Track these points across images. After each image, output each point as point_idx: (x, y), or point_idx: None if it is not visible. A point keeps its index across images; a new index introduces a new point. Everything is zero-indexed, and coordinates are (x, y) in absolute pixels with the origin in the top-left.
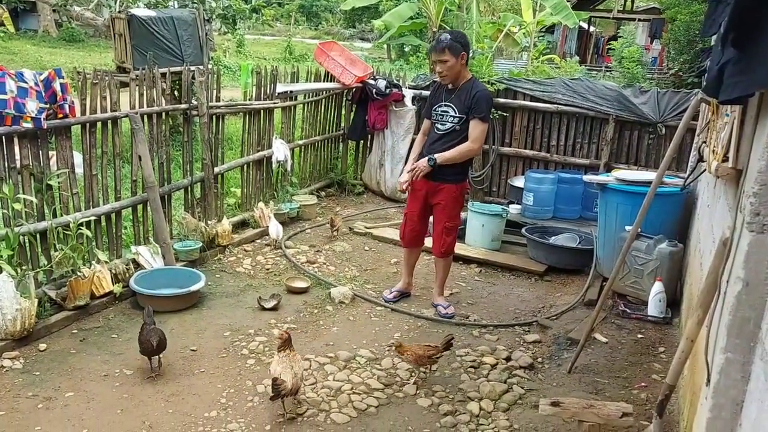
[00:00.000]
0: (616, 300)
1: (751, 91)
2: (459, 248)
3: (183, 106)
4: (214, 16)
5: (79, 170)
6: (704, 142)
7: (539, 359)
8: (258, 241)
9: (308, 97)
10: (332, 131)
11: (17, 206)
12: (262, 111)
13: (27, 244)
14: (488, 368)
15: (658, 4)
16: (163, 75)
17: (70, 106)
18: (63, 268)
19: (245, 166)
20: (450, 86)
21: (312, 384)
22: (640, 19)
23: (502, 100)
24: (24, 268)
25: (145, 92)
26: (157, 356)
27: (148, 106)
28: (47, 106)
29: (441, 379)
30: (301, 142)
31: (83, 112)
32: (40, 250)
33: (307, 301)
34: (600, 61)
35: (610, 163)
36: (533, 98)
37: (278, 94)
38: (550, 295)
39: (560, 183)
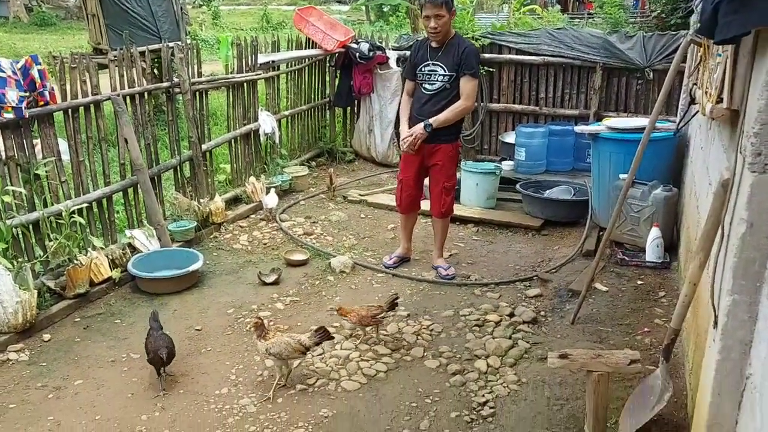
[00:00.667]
0: (613, 249)
1: (747, 29)
2: (455, 208)
3: (165, 84)
4: None
5: (66, 157)
6: (695, 83)
7: (542, 313)
8: (252, 216)
9: (291, 66)
10: (318, 99)
11: (7, 198)
12: (245, 83)
13: (20, 236)
14: (492, 326)
15: None
16: (142, 54)
17: (50, 92)
18: (59, 257)
19: (233, 141)
20: (434, 44)
21: (320, 354)
22: None
23: (487, 55)
24: (20, 260)
25: (125, 73)
26: (164, 366)
27: (129, 87)
28: (27, 94)
29: (447, 340)
30: (287, 112)
31: (64, 98)
32: (34, 240)
33: (307, 273)
34: (581, 8)
35: (599, 112)
36: (519, 51)
37: (260, 65)
38: (548, 248)
39: (551, 136)
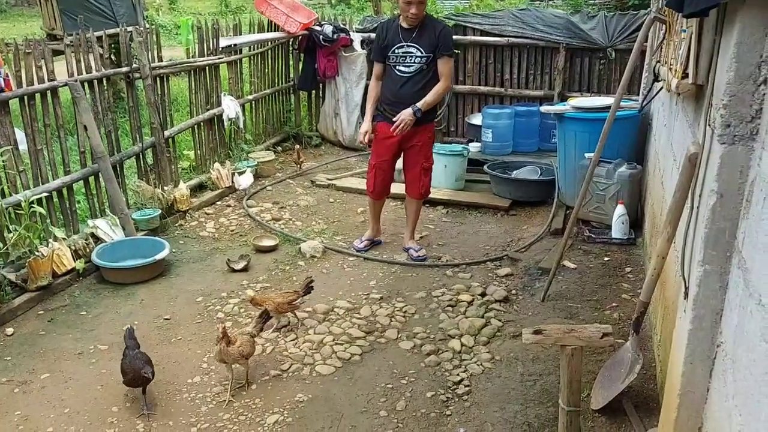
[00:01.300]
0: (580, 227)
1: (716, 1)
2: None
3: (124, 69)
4: None
5: (23, 146)
6: (659, 61)
7: (513, 291)
8: (219, 203)
9: (253, 50)
10: (282, 83)
11: None
12: (207, 68)
13: None
14: (465, 305)
15: None
16: (99, 38)
17: (4, 79)
18: (19, 249)
19: (196, 127)
20: (405, 25)
21: (293, 339)
22: None
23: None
24: None
25: (81, 58)
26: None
27: (87, 73)
28: None
29: (420, 321)
30: (250, 97)
31: (19, 85)
32: None
33: (277, 259)
34: None
35: (563, 93)
36: (483, 33)
37: (222, 48)
38: (517, 228)
39: (517, 117)
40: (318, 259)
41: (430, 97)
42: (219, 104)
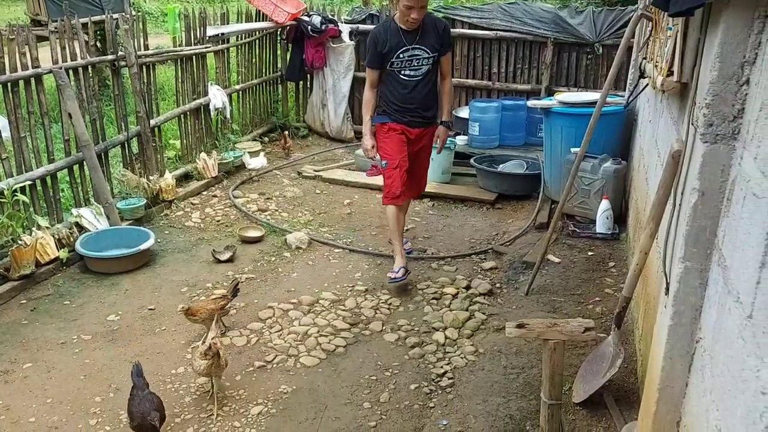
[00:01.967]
0: (565, 221)
1: (701, 1)
2: None
3: (110, 57)
4: None
5: (6, 134)
6: (645, 58)
7: (497, 285)
8: (204, 193)
9: (241, 39)
10: (269, 73)
11: None
12: (194, 57)
13: None
14: (450, 298)
15: None
16: (84, 25)
17: None
18: (2, 237)
19: (182, 116)
20: (404, 27)
21: (278, 331)
22: None
23: None
24: None
25: (66, 45)
26: None
27: (71, 60)
28: None
29: (405, 314)
30: (238, 87)
31: (2, 71)
32: None
33: (263, 250)
34: None
35: (551, 87)
36: (471, 26)
37: (209, 37)
38: (502, 222)
39: (504, 111)
40: (304, 250)
41: (448, 103)
42: (206, 94)
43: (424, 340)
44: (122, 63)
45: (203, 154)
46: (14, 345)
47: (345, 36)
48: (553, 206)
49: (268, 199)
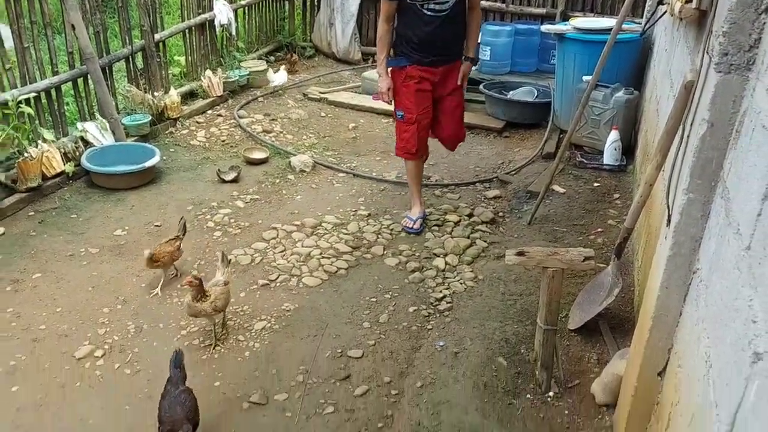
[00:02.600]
0: (573, 151)
1: None
2: None
3: None
4: None
5: (9, 44)
6: None
7: (500, 213)
8: (209, 112)
9: None
10: None
11: None
12: None
13: None
14: (452, 225)
15: None
16: None
17: None
18: (8, 149)
19: (187, 31)
20: None
21: (281, 251)
22: None
23: None
24: None
25: None
26: None
27: None
28: None
29: (407, 239)
30: (244, 2)
31: None
32: None
33: (267, 172)
34: None
35: (566, 12)
36: None
37: None
38: (509, 150)
39: (517, 35)
40: (307, 173)
41: (476, 37)
42: (211, 8)
43: (425, 266)
44: None
45: (208, 72)
46: (23, 255)
47: None
48: (561, 136)
49: (273, 120)
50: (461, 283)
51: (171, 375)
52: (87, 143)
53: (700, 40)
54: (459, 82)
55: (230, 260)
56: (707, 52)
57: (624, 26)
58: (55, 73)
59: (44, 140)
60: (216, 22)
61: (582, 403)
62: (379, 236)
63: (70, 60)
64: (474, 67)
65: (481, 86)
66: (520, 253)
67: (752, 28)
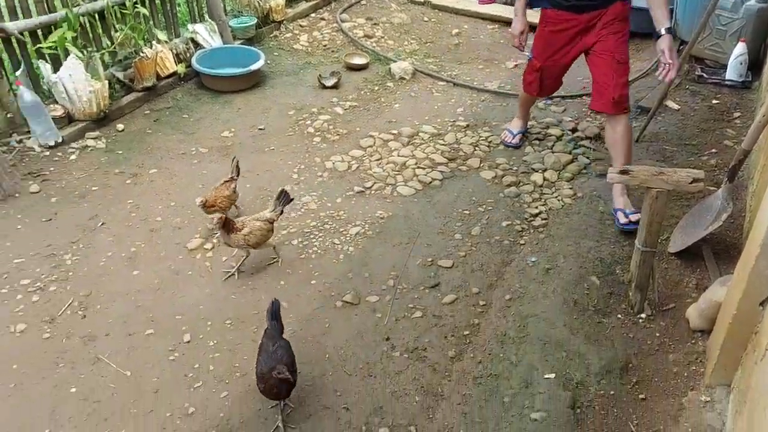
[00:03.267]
0: (692, 64)
1: None
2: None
3: None
4: None
5: None
6: None
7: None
8: (312, 15)
9: None
10: None
11: None
12: None
13: (88, 26)
14: (553, 140)
15: None
16: None
17: None
18: (126, 49)
19: None
20: None
21: (377, 160)
22: None
23: None
24: (89, 49)
25: None
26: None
27: None
28: None
29: (504, 152)
30: None
31: None
32: (101, 31)
33: (367, 78)
34: None
35: None
36: None
37: None
38: None
39: None
40: (407, 81)
41: (663, 3)
42: None
43: (522, 180)
44: None
45: None
46: (141, 151)
47: None
48: (681, 47)
49: (375, 24)
50: (558, 200)
51: (268, 327)
52: (197, 45)
53: None
54: (662, 74)
55: (291, 199)
56: None
57: None
58: None
59: (158, 41)
60: None
61: (675, 327)
62: (477, 148)
63: None
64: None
65: None
66: (624, 172)
67: None
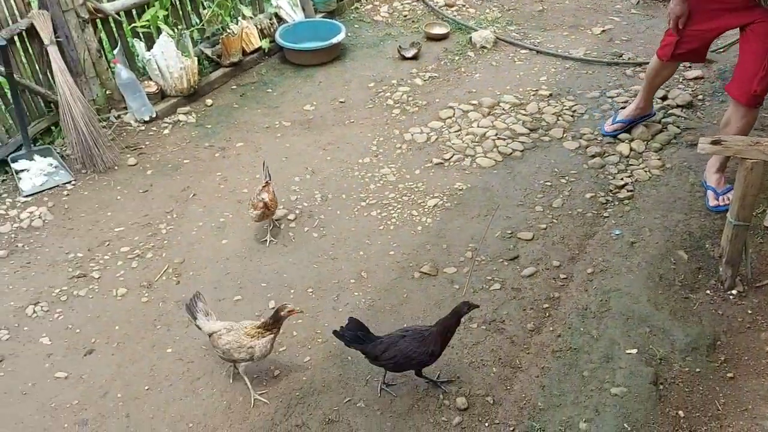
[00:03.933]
0: None
1: None
2: None
3: None
4: None
5: None
6: None
7: (699, 97)
8: None
9: None
10: None
11: None
12: None
13: (178, 4)
14: None
15: None
16: None
17: None
18: (213, 26)
19: None
20: None
21: (457, 131)
22: None
23: None
24: (179, 27)
25: None
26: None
27: None
28: None
29: (589, 122)
30: None
31: None
32: (190, 8)
33: (447, 48)
34: None
35: None
36: None
37: None
38: None
39: None
40: (488, 50)
41: None
42: None
43: (607, 151)
44: None
45: None
46: (228, 126)
47: None
48: None
49: None
50: (646, 171)
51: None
52: (280, 19)
53: None
54: None
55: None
56: None
57: None
58: None
59: (243, 17)
60: None
61: None
62: (560, 118)
63: None
64: None
65: None
66: (716, 142)
67: None
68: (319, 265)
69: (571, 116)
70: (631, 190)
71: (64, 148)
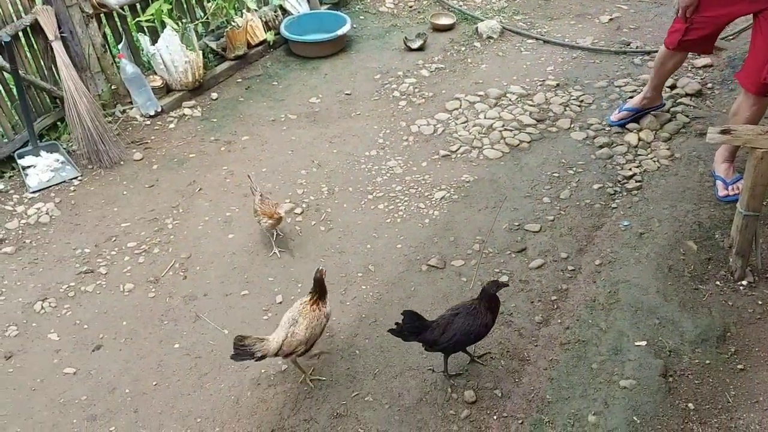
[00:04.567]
0: None
1: None
2: None
3: None
4: None
5: None
6: None
7: (708, 85)
8: None
9: None
10: None
11: None
12: None
13: None
14: None
15: None
16: None
17: None
18: (218, 19)
19: None
20: None
21: (463, 122)
22: None
23: None
24: (184, 21)
25: None
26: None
27: None
28: None
29: (597, 112)
30: None
31: None
32: (194, 2)
33: (453, 39)
34: None
35: None
36: None
37: None
38: None
39: None
40: (495, 40)
41: None
42: None
43: (615, 141)
44: None
45: None
46: (234, 119)
47: None
48: None
49: None
50: (654, 161)
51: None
52: (285, 12)
53: None
54: None
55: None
56: None
57: None
58: None
59: (248, 9)
60: None
61: None
62: (567, 108)
63: None
64: None
65: None
66: (725, 131)
67: None
68: (326, 259)
69: (579, 106)
70: (639, 181)
71: (70, 144)
